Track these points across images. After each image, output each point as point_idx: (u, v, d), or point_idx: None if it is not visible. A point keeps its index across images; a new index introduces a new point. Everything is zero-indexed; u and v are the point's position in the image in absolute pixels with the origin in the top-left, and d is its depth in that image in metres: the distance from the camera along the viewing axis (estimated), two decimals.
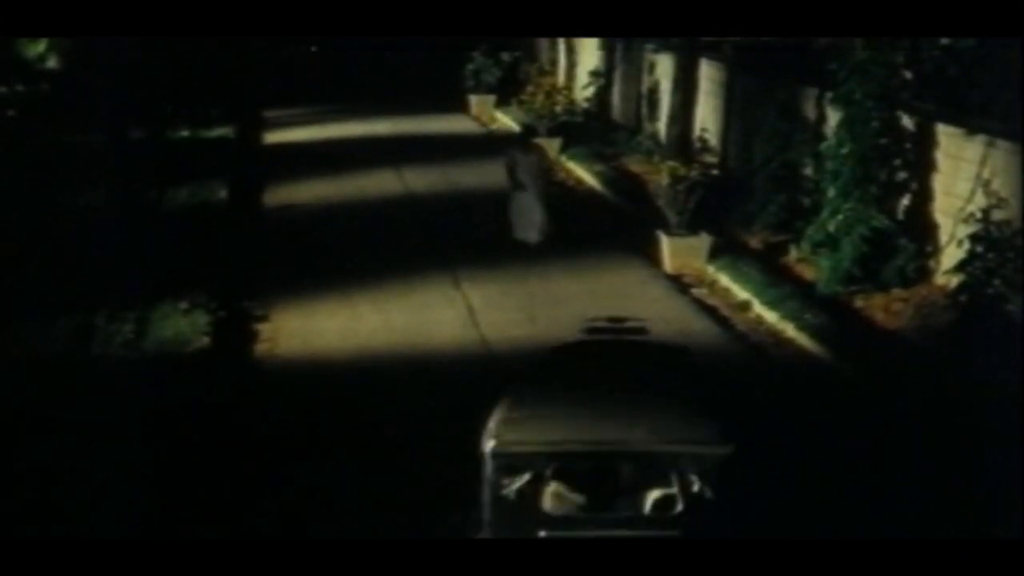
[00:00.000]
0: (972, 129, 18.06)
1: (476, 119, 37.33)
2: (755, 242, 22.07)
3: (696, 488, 9.04)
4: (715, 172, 22.69)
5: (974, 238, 17.19)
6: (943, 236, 18.64)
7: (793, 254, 20.90)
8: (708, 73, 27.15)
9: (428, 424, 14.64)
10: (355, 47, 38.22)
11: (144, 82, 26.88)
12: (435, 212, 25.67)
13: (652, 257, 21.52)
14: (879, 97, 19.17)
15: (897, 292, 18.70)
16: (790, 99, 23.01)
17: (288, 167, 30.10)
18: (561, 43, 37.55)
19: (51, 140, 25.55)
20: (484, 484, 9.32)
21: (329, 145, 33.86)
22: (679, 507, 9.04)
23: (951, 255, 18.07)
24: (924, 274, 18.91)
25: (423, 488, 12.85)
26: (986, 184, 17.58)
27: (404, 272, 21.15)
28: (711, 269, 20.87)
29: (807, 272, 20.17)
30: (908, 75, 19.37)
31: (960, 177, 18.25)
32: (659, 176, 22.31)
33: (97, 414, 14.06)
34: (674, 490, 9.04)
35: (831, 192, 19.57)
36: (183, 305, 18.03)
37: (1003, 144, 17.45)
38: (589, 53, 35.00)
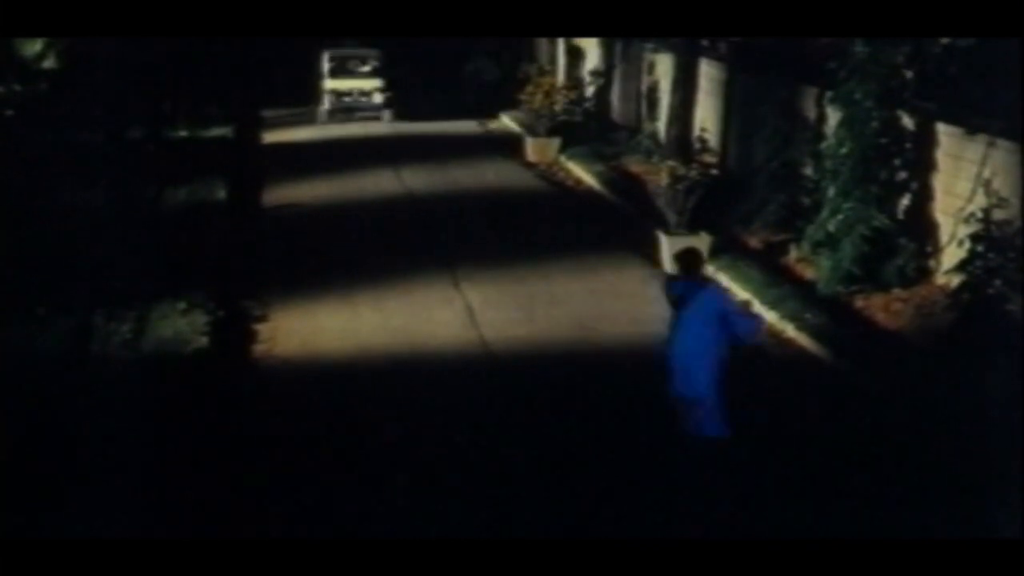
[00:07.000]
0: (972, 129, 18.04)
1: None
2: (755, 241, 22.04)
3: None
4: (715, 172, 22.66)
5: (974, 238, 17.16)
6: (943, 236, 18.63)
7: (793, 254, 20.88)
8: (708, 72, 27.14)
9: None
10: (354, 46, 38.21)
11: (143, 82, 26.85)
12: (433, 211, 25.65)
13: (652, 257, 21.49)
14: (879, 96, 19.15)
15: (897, 292, 18.70)
16: (790, 98, 23.01)
17: (287, 167, 30.10)
18: (560, 43, 37.53)
19: (50, 140, 25.49)
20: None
21: (328, 145, 33.86)
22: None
23: (951, 255, 18.05)
24: (924, 274, 18.89)
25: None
26: (986, 184, 17.57)
27: (403, 271, 21.13)
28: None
29: (807, 272, 20.16)
30: (908, 75, 19.35)
31: (960, 177, 18.24)
32: (659, 176, 22.29)
33: (96, 414, 14.03)
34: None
35: (831, 192, 19.54)
36: (181, 305, 18.00)
37: (1003, 143, 17.43)
38: (588, 52, 34.98)
